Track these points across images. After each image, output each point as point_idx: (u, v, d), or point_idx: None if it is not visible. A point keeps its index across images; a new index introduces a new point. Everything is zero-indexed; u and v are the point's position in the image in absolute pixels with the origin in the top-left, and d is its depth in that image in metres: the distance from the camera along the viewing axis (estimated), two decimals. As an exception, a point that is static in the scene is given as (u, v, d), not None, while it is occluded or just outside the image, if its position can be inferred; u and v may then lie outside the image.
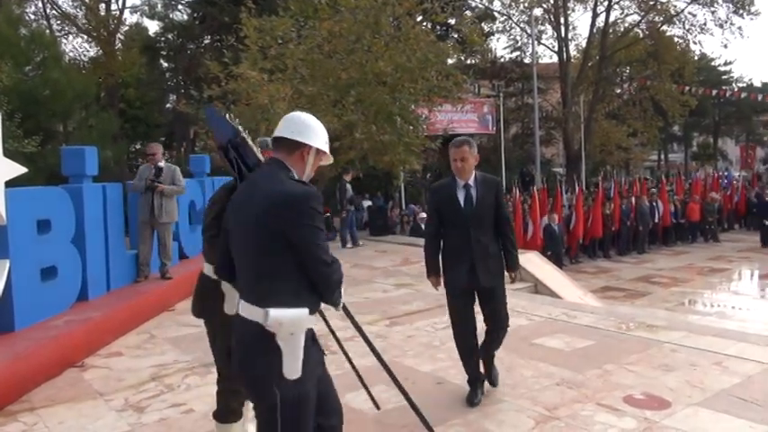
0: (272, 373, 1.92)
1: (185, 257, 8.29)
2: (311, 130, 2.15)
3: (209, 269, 2.68)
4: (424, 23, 12.77)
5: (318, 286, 2.00)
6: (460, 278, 3.59)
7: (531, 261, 9.31)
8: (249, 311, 1.96)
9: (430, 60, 11.45)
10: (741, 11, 22.40)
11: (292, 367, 1.92)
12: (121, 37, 19.24)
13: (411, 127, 12.08)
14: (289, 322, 1.92)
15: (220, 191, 2.71)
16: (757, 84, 37.07)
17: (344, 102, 11.28)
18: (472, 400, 3.66)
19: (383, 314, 5.91)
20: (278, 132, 2.14)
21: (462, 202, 3.60)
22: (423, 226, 14.26)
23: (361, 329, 2.59)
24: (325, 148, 2.22)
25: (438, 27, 16.10)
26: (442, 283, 3.73)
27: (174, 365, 4.55)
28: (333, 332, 2.90)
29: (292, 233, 1.92)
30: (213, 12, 15.11)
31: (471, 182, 3.62)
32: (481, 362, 3.72)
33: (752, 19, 22.84)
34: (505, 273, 3.68)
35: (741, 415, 3.39)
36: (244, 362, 1.98)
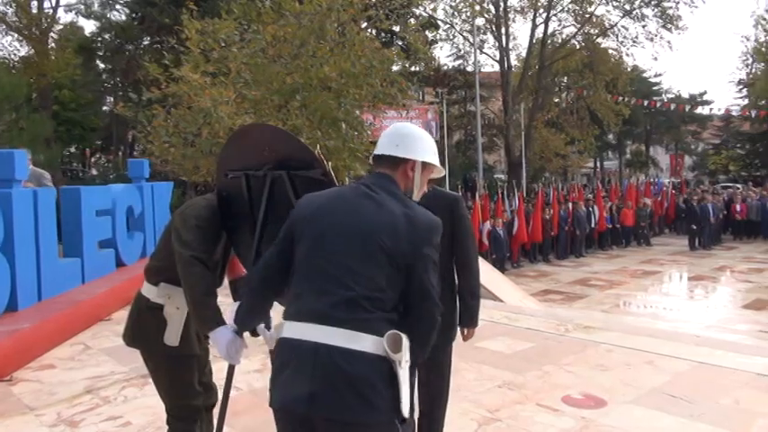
0: (395, 410, 1.66)
1: (122, 265, 8.05)
2: (415, 142, 1.95)
3: (150, 290, 2.47)
4: (369, 30, 12.84)
5: (419, 324, 1.74)
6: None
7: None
8: (349, 339, 1.65)
9: (374, 67, 11.51)
10: (669, 26, 23.69)
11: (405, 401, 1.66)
12: (55, 36, 18.38)
13: (356, 132, 12.11)
14: (406, 353, 1.66)
15: (209, 213, 2.45)
16: (685, 95, 39.27)
17: (289, 106, 11.20)
18: None
19: None
20: (378, 150, 1.97)
21: None
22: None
23: None
24: (434, 160, 2.01)
25: (383, 34, 16.25)
26: None
27: (111, 377, 4.44)
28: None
29: (415, 262, 1.72)
30: (153, 13, 14.71)
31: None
32: None
33: (679, 33, 24.24)
34: None
35: (671, 411, 3.56)
36: (362, 402, 1.64)
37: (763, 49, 32.93)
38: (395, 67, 12.87)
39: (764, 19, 32.63)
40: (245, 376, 4.27)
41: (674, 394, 3.84)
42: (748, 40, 33.98)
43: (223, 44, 11.11)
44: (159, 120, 10.95)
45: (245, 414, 3.63)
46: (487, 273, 9.44)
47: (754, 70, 34.15)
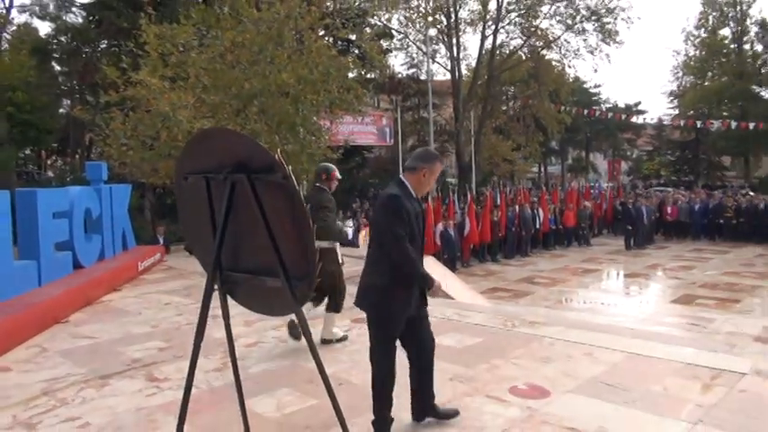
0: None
1: (80, 267, 8.09)
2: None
3: None
4: (326, 38, 13.15)
5: None
6: (409, 304, 3.31)
7: (427, 265, 9.95)
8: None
9: (331, 74, 11.77)
10: (608, 40, 24.93)
11: None
12: (8, 37, 17.85)
13: (314, 137, 12.37)
14: None
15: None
16: (621, 105, 41.12)
17: (247, 111, 11.38)
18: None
19: (286, 319, 5.78)
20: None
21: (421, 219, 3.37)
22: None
23: (309, 335, 2.68)
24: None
25: (339, 42, 16.57)
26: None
27: (68, 379, 4.39)
28: (231, 345, 2.94)
29: None
30: (110, 16, 14.53)
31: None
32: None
33: (617, 47, 25.55)
34: None
35: (608, 398, 3.78)
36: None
37: (692, 63, 35.14)
38: (351, 75, 13.21)
39: (693, 35, 34.89)
40: (205, 375, 4.33)
41: (610, 383, 4.05)
42: (679, 54, 36.28)
43: (182, 49, 11.22)
44: (117, 123, 10.96)
45: (206, 412, 3.66)
46: (439, 272, 9.91)
47: (683, 83, 36.34)
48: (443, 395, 3.91)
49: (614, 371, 4.35)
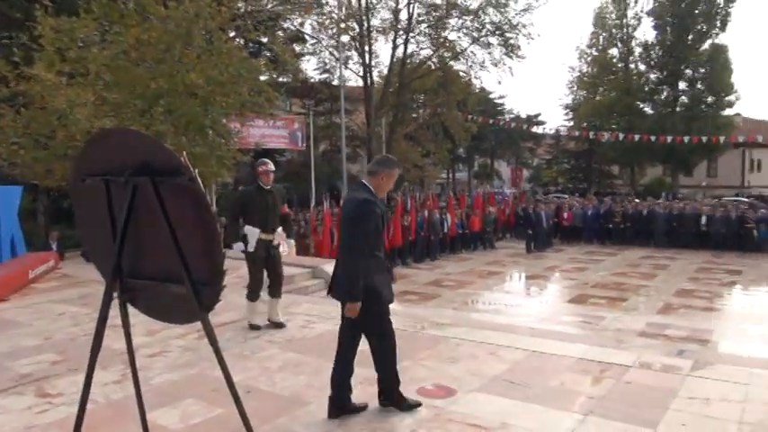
0: None
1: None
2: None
3: None
4: (237, 39, 12.90)
5: None
6: (388, 291, 3.69)
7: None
8: None
9: (242, 76, 11.58)
10: (511, 54, 26.24)
11: None
12: None
13: (223, 140, 12.11)
14: None
15: None
16: (523, 116, 43.36)
17: (153, 111, 10.94)
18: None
19: (191, 327, 5.66)
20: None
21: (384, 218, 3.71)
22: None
23: (215, 342, 2.65)
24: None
25: (251, 44, 16.30)
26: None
27: None
28: (132, 354, 2.87)
29: None
30: (2, 6, 13.43)
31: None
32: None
33: (519, 61, 26.88)
34: None
35: (510, 396, 3.97)
36: None
37: (585, 79, 37.69)
38: (262, 77, 13.04)
39: (586, 53, 37.43)
40: (103, 388, 4.15)
41: (512, 380, 4.26)
42: (573, 70, 38.70)
43: (81, 44, 10.60)
44: (7, 120, 10.16)
45: (103, 427, 3.52)
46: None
47: (578, 97, 38.85)
48: (355, 398, 3.95)
49: (516, 368, 4.59)
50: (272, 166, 6.13)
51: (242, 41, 13.14)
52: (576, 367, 4.60)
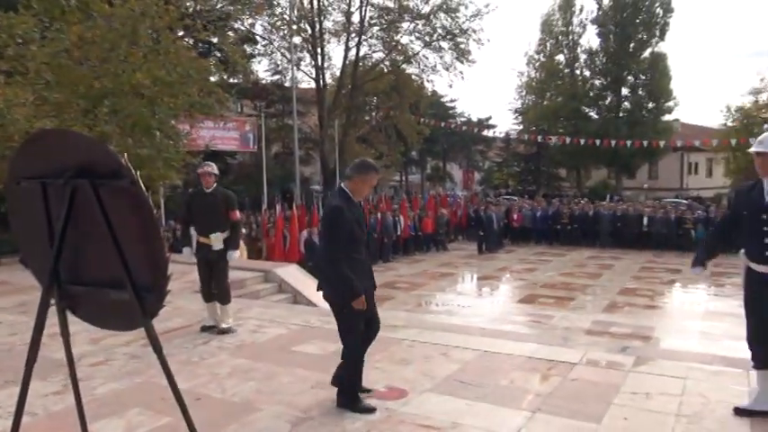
0: None
1: None
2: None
3: None
4: (186, 39, 12.63)
5: None
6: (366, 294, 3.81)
7: (291, 273, 9.96)
8: None
9: (191, 76, 11.35)
10: (462, 58, 26.68)
11: None
12: None
13: (171, 141, 11.83)
14: None
15: None
16: (475, 119, 44.16)
17: (97, 112, 10.59)
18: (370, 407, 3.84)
19: (138, 334, 5.62)
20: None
21: (361, 222, 3.87)
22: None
23: (160, 350, 2.60)
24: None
25: (200, 44, 15.98)
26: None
27: None
28: (71, 363, 2.79)
29: None
30: (-66, 1, 12.71)
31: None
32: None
33: (470, 66, 27.31)
34: None
35: (461, 395, 4.03)
36: None
37: (533, 84, 38.67)
38: (212, 78, 12.82)
39: (534, 59, 38.41)
40: (43, 400, 3.99)
41: (463, 380, 4.31)
42: (522, 75, 39.64)
43: (20, 41, 10.16)
44: (-62, 119, 9.62)
45: None
46: (302, 280, 9.91)
47: (527, 101, 39.82)
48: (305, 403, 3.97)
49: (467, 368, 4.65)
50: (212, 169, 6.00)
51: (191, 41, 12.87)
52: (525, 366, 4.70)
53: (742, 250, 3.55)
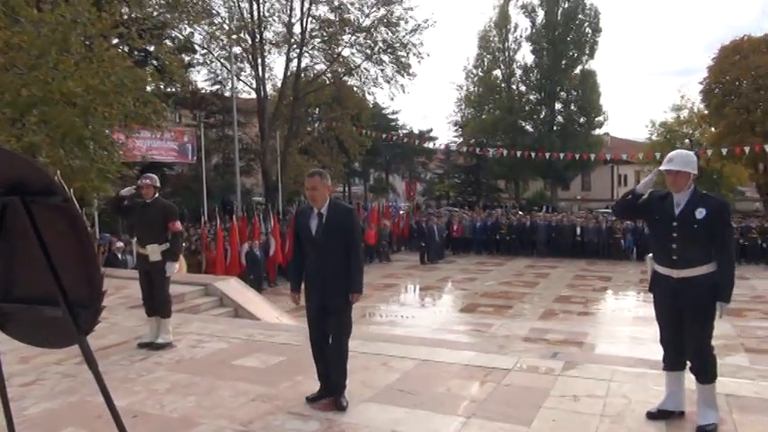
0: None
1: None
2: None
3: None
4: (121, 47, 12.31)
5: None
6: (312, 295, 4.07)
7: (232, 287, 9.82)
8: None
9: (126, 85, 11.09)
10: (402, 72, 27.10)
11: None
12: None
13: (106, 152, 11.50)
14: None
15: None
16: (416, 131, 44.83)
17: (25, 121, 10.20)
18: (312, 397, 4.14)
19: (71, 352, 5.38)
20: None
21: (314, 228, 4.00)
22: (119, 256, 13.54)
23: (95, 365, 2.56)
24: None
25: (136, 53, 15.58)
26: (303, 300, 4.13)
27: None
28: (1, 380, 2.72)
29: None
30: None
31: (324, 210, 4.01)
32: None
33: (410, 79, 27.74)
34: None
35: (400, 403, 4.11)
36: None
37: (472, 97, 39.72)
38: (149, 87, 12.54)
39: (473, 73, 39.49)
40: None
41: (402, 389, 4.39)
42: (461, 89, 40.64)
43: (-63, 45, 9.67)
44: None
45: None
46: (243, 293, 9.79)
47: (466, 114, 40.82)
48: (245, 416, 3.96)
49: (406, 377, 4.74)
50: (151, 181, 5.94)
51: (126, 49, 12.55)
52: (461, 373, 4.83)
53: (649, 255, 3.81)
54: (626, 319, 12.47)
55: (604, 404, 4.04)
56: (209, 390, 4.50)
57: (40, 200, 2.23)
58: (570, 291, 15.44)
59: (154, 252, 5.81)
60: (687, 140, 32.91)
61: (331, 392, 4.12)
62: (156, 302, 5.87)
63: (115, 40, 11.99)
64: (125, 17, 12.36)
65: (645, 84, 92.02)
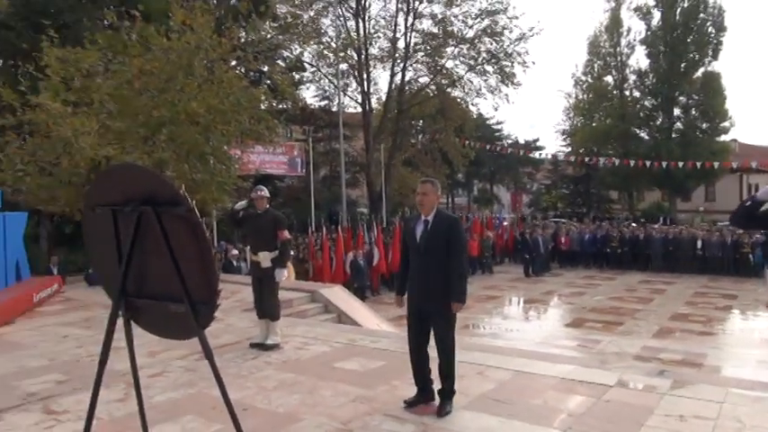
0: None
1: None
2: None
3: None
4: (238, 69, 13.25)
5: None
6: (412, 300, 4.18)
7: (336, 294, 10.21)
8: None
9: (242, 104, 11.85)
10: (507, 81, 26.75)
11: None
12: None
13: (224, 166, 12.35)
14: None
15: None
16: (522, 141, 43.88)
17: (155, 139, 11.23)
18: (409, 401, 4.24)
19: (192, 349, 5.76)
20: None
21: (419, 235, 4.13)
22: (233, 263, 14.53)
23: (212, 359, 2.83)
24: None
25: (251, 73, 16.70)
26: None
27: None
28: (135, 370, 3.06)
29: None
30: (9, 36, 13.81)
31: (430, 217, 4.14)
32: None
33: (515, 89, 27.32)
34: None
35: (494, 412, 4.14)
36: None
37: (581, 105, 38.21)
38: (262, 106, 13.35)
39: (582, 80, 38.02)
40: (106, 406, 4.26)
41: (497, 398, 4.42)
42: (570, 97, 39.25)
43: (86, 74, 10.94)
44: (13, 147, 10.45)
45: None
46: (347, 300, 10.13)
47: (575, 123, 39.32)
48: (345, 415, 4.16)
49: (502, 387, 4.74)
50: (263, 193, 6.40)
51: (242, 71, 13.48)
52: (559, 386, 4.74)
53: None
54: (754, 340, 11.44)
55: (714, 426, 3.81)
56: (312, 389, 4.77)
57: (167, 209, 2.56)
58: (689, 308, 14.39)
59: (265, 259, 6.23)
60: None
61: (433, 397, 4.23)
62: (267, 306, 6.29)
63: (233, 63, 12.89)
64: (242, 40, 13.26)
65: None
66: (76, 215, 11.23)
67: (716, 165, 28.57)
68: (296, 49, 22.44)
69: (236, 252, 14.91)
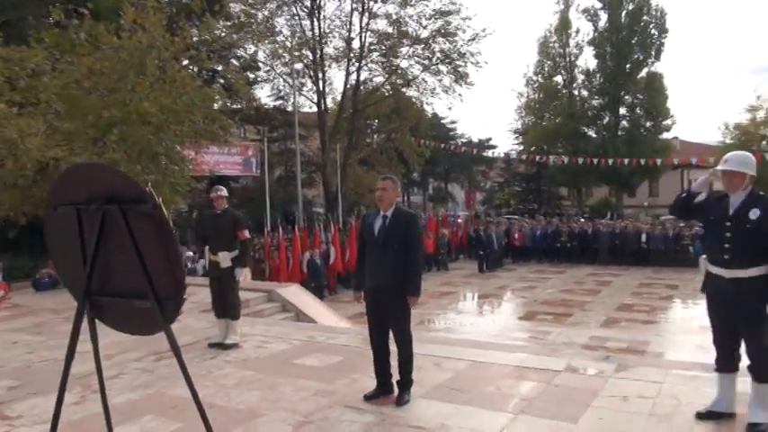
0: None
1: None
2: None
3: None
4: (191, 68, 13.07)
5: None
6: (370, 295, 4.30)
7: (294, 293, 10.27)
8: None
9: (196, 104, 11.73)
10: (460, 81, 27.19)
11: None
12: None
13: (177, 167, 12.19)
14: None
15: None
16: (476, 140, 44.63)
17: (106, 140, 11.01)
18: (369, 395, 4.36)
19: (149, 350, 5.88)
20: None
21: (377, 229, 4.23)
22: (188, 264, 14.33)
23: (178, 351, 2.82)
24: None
25: (204, 72, 16.48)
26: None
27: None
28: (100, 369, 3.14)
29: None
30: (-50, 34, 13.23)
31: (389, 213, 4.24)
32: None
33: (468, 88, 27.76)
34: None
35: (450, 400, 4.30)
36: None
37: (532, 104, 39.18)
38: (216, 105, 13.23)
39: (533, 80, 38.98)
40: (63, 409, 4.06)
41: (453, 387, 4.59)
42: (522, 96, 40.14)
43: (32, 73, 10.63)
44: (-45, 149, 10.05)
45: None
46: (304, 299, 10.20)
47: (526, 122, 40.27)
48: (306, 409, 4.25)
49: (457, 377, 4.93)
50: (223, 192, 6.46)
51: (196, 70, 13.31)
52: (512, 374, 4.97)
53: (703, 256, 3.84)
54: (693, 328, 12.02)
55: (653, 404, 4.09)
56: (273, 385, 4.84)
57: (133, 207, 2.60)
58: (634, 299, 15.05)
59: (225, 259, 6.26)
60: (765, 142, 31.19)
61: (392, 390, 4.37)
62: (227, 305, 6.31)
63: (186, 62, 12.73)
64: (195, 39, 13.11)
65: (717, 84, 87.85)
66: (21, 219, 10.89)
67: (659, 162, 29.88)
68: (250, 48, 22.28)
69: (190, 254, 14.71)
